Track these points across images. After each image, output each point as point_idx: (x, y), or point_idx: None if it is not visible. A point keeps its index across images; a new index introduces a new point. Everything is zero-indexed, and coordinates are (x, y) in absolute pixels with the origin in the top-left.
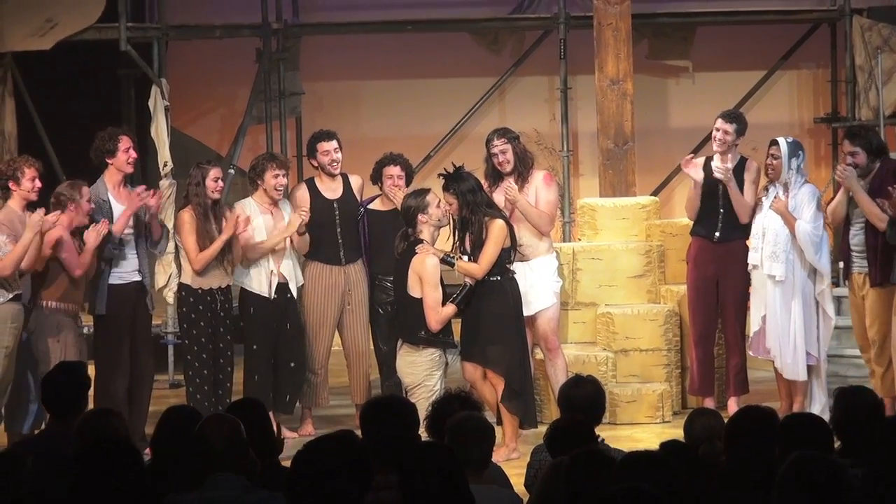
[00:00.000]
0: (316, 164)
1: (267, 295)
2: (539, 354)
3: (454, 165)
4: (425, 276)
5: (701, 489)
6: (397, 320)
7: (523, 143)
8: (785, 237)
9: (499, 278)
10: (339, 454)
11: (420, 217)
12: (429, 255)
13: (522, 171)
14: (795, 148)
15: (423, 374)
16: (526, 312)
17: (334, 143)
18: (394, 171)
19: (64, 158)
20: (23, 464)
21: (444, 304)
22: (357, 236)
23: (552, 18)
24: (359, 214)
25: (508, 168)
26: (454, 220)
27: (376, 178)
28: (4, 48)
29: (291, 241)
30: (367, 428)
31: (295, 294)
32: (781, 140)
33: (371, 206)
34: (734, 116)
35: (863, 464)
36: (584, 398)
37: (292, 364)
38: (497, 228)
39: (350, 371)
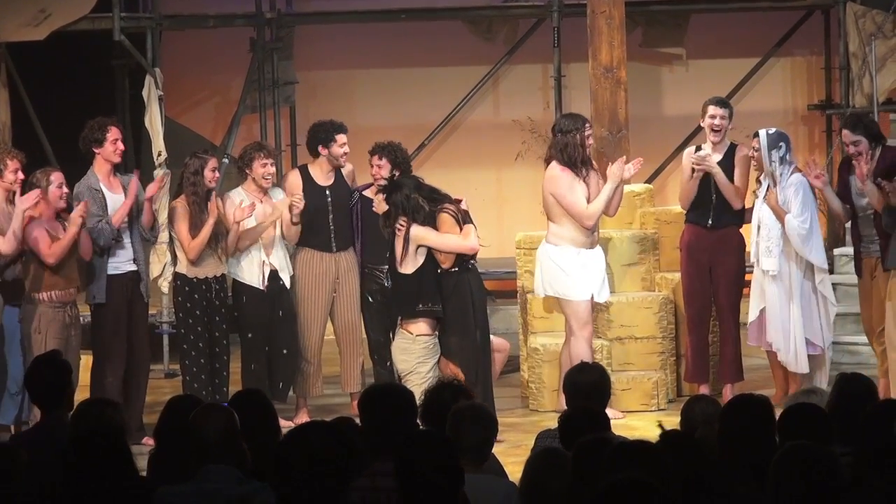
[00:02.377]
0: (325, 153)
1: (258, 286)
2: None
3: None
4: (424, 235)
5: (699, 477)
6: (393, 301)
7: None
8: (777, 231)
9: (457, 269)
10: (319, 442)
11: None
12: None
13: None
14: (776, 139)
15: (415, 361)
16: (604, 298)
17: (346, 137)
18: (373, 160)
19: (58, 148)
20: (18, 457)
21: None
22: (349, 224)
23: (546, 6)
24: (352, 201)
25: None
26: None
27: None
28: None
29: (282, 232)
30: (366, 415)
31: (287, 283)
32: (762, 132)
33: (365, 193)
34: (725, 101)
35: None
36: (590, 384)
37: (285, 351)
38: (444, 223)
39: (342, 359)
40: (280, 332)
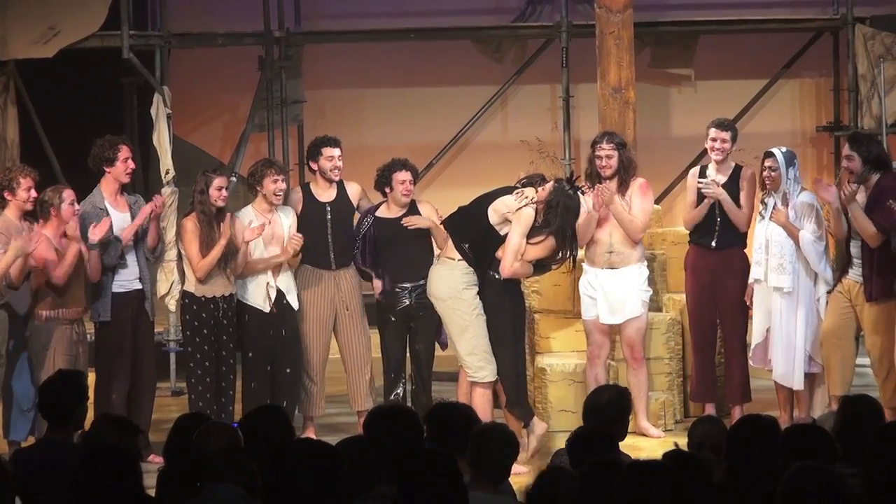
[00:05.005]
0: (315, 168)
1: (264, 308)
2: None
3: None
4: (517, 221)
5: (703, 497)
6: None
7: (629, 152)
8: (790, 248)
9: (496, 276)
10: (307, 460)
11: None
12: (530, 206)
13: (625, 178)
14: (791, 157)
15: (461, 286)
16: (615, 321)
17: (338, 151)
18: (405, 175)
19: (66, 166)
20: (5, 472)
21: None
22: (349, 242)
23: (554, 27)
24: (364, 225)
25: (609, 173)
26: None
27: (383, 183)
28: (7, 56)
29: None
30: (371, 436)
31: (294, 304)
32: (776, 151)
33: (378, 214)
34: (728, 124)
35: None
36: (604, 404)
37: (288, 370)
38: (540, 245)
39: (349, 377)
40: (283, 351)
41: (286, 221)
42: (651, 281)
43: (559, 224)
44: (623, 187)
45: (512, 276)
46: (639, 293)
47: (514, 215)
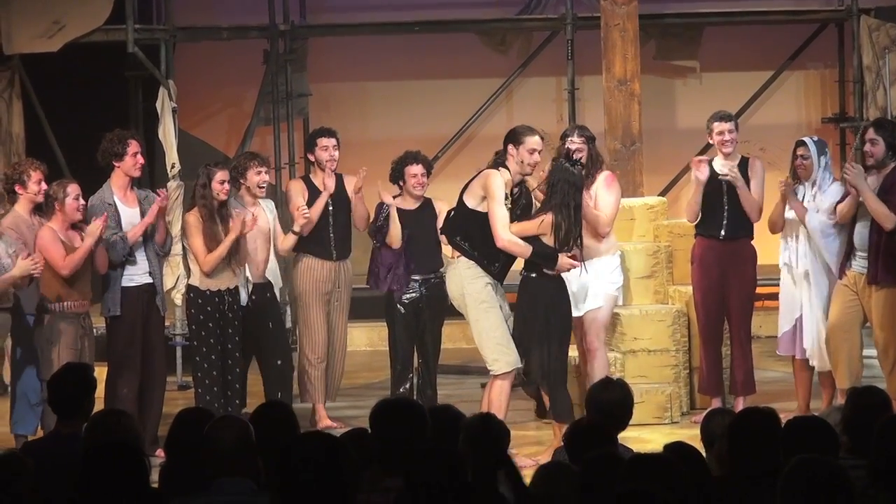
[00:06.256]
0: (313, 159)
1: (244, 302)
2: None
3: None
4: (489, 190)
5: (706, 490)
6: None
7: (598, 146)
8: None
9: (533, 275)
10: (312, 451)
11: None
12: (498, 174)
13: (591, 171)
14: (822, 146)
15: (464, 282)
16: (577, 313)
17: (333, 141)
18: (417, 169)
19: (72, 160)
20: (24, 466)
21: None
22: (348, 233)
23: (559, 19)
24: (381, 216)
25: None
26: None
27: (397, 176)
28: (12, 50)
29: (275, 248)
30: (376, 430)
31: (278, 296)
32: (808, 140)
33: (402, 205)
34: (730, 116)
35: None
36: (612, 401)
37: (279, 362)
38: (546, 224)
39: (328, 368)
40: (271, 343)
41: (270, 215)
42: (623, 271)
43: (561, 199)
44: (588, 181)
45: (505, 247)
46: (604, 284)
47: (485, 186)
